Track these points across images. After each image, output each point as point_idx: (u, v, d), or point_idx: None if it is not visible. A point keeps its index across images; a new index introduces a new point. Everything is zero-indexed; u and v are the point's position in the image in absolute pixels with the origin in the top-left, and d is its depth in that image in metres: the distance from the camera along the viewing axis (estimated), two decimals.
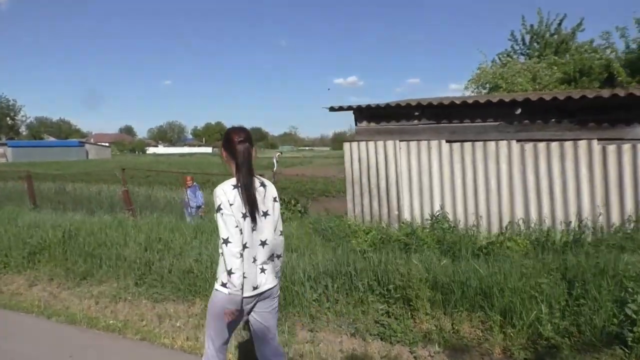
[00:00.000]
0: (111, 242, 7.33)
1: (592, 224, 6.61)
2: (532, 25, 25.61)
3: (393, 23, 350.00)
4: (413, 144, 7.76)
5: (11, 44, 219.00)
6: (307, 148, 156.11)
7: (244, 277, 2.77)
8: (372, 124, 8.17)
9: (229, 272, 2.70)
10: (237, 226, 2.70)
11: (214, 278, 5.77)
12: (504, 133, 7.13)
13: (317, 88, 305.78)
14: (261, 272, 2.89)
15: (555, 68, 20.28)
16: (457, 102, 7.18)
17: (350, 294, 5.23)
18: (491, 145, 7.18)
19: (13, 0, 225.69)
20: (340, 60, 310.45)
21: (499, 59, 26.68)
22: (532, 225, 6.95)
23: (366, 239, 7.31)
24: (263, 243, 2.87)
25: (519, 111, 6.92)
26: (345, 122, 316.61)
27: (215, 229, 8.14)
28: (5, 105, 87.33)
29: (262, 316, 3.03)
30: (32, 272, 7.20)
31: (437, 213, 7.50)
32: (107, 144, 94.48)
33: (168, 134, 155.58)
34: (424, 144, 7.67)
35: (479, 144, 7.27)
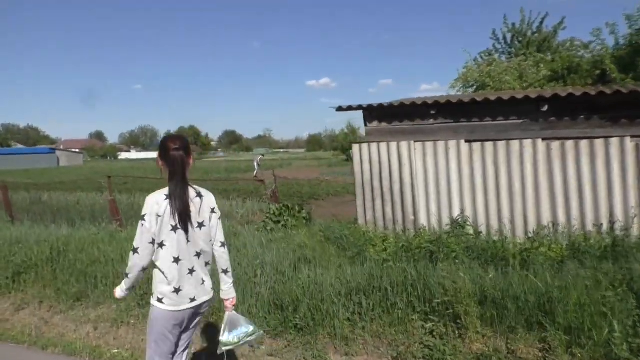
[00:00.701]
0: (106, 258, 6.66)
1: (625, 226, 6.25)
2: (514, 24, 25.64)
3: (364, 25, 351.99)
4: (429, 144, 7.30)
5: None
6: (282, 150, 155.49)
7: (180, 291, 2.79)
8: (384, 124, 7.68)
9: (126, 275, 2.84)
10: (151, 242, 2.72)
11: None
12: (528, 131, 6.72)
13: (290, 90, 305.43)
14: (202, 283, 2.90)
15: (542, 66, 20.19)
16: (479, 99, 6.74)
17: (388, 311, 4.72)
18: (515, 144, 6.76)
19: None
20: (313, 62, 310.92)
21: (481, 57, 26.65)
22: (560, 228, 6.56)
23: (385, 247, 6.81)
24: (198, 254, 2.87)
25: (545, 108, 6.52)
26: (320, 124, 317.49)
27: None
28: None
29: (187, 330, 3.07)
30: (17, 294, 6.49)
31: (458, 217, 7.05)
32: (78, 150, 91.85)
33: (140, 139, 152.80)
34: (441, 144, 7.22)
35: (501, 144, 6.85)
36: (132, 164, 67.00)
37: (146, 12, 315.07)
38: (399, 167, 7.49)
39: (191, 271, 2.83)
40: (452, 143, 7.14)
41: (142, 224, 2.70)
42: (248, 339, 3.10)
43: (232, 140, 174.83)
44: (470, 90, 21.57)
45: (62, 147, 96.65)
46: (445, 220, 7.25)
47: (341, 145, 57.32)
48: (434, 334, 4.45)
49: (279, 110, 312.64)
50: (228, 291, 3.10)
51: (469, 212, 7.08)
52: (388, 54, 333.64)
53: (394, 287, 4.82)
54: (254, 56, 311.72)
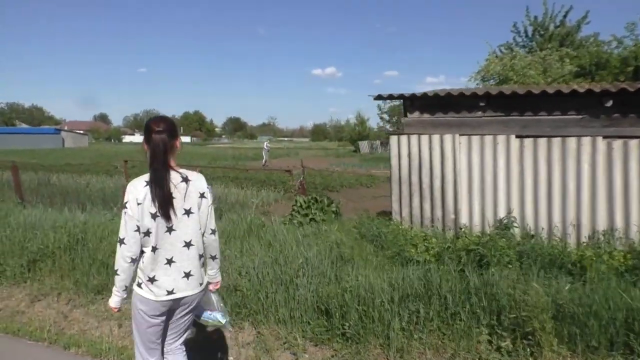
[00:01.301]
0: None
1: None
2: (535, 17, 25.02)
3: (371, 16, 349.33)
4: (475, 138, 6.80)
5: None
6: (286, 139, 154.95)
7: (155, 281, 2.65)
8: (426, 115, 7.18)
9: (115, 272, 2.64)
10: (136, 230, 2.54)
11: (265, 298, 4.77)
12: (587, 128, 6.22)
13: (295, 78, 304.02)
14: (184, 276, 2.70)
15: (567, 61, 19.64)
16: (535, 91, 6.22)
17: (448, 322, 4.27)
18: (571, 141, 6.26)
19: None
20: (319, 51, 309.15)
21: (500, 50, 26.05)
22: (618, 234, 6.08)
23: (426, 247, 6.35)
24: (188, 244, 2.69)
25: (609, 103, 6.01)
26: (325, 114, 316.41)
27: (251, 233, 7.09)
28: None
29: (176, 321, 2.90)
30: (34, 284, 6.04)
31: (505, 218, 6.57)
32: (82, 132, 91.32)
33: (145, 122, 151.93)
34: (488, 138, 6.72)
35: (556, 140, 6.34)
36: (137, 147, 66.46)
37: None
38: (441, 162, 7.00)
39: (169, 261, 2.65)
40: (501, 138, 6.64)
41: (125, 212, 2.54)
42: (215, 323, 3.20)
43: (236, 127, 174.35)
44: (493, 83, 21.01)
45: (66, 128, 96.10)
46: (490, 220, 6.78)
47: (349, 136, 56.67)
48: (501, 350, 4.00)
49: (284, 99, 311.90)
50: (214, 275, 3.05)
51: (516, 213, 6.60)
52: (394, 46, 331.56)
53: (455, 295, 4.36)
54: (259, 42, 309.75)
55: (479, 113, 6.81)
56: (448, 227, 7.03)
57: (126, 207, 2.54)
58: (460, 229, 6.89)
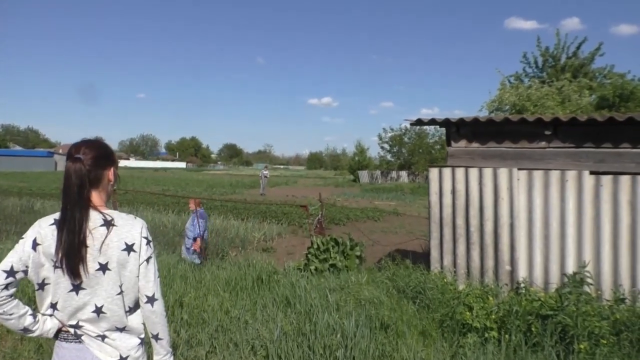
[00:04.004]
0: None
1: None
2: (547, 47, 24.30)
3: (368, 48, 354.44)
4: (538, 173, 5.61)
5: None
6: (282, 167, 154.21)
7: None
8: (475, 145, 5.99)
9: None
10: (10, 270, 1.85)
11: None
12: None
13: (292, 107, 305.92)
14: (101, 339, 1.96)
15: (586, 92, 18.75)
16: (619, 118, 5.06)
17: None
18: None
19: None
20: (316, 81, 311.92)
21: (509, 81, 25.26)
22: None
23: (483, 308, 5.06)
24: (98, 310, 1.95)
25: None
26: (320, 142, 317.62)
27: (261, 284, 5.80)
28: None
29: None
30: None
31: (577, 273, 5.31)
32: None
33: (140, 147, 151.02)
34: (555, 174, 5.52)
35: None
36: (132, 172, 65.27)
37: (152, 23, 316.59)
38: (494, 201, 5.79)
39: (78, 326, 1.97)
40: (571, 174, 5.45)
41: (15, 248, 1.91)
42: None
43: (232, 153, 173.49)
44: (505, 113, 20.05)
45: (60, 151, 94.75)
46: (554, 274, 5.53)
47: (349, 165, 55.75)
48: None
49: (280, 127, 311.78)
50: None
51: (589, 267, 5.35)
52: (390, 77, 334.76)
53: None
54: (257, 72, 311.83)
55: (543, 143, 5.62)
56: (502, 280, 5.77)
57: (19, 244, 1.92)
58: (518, 283, 5.63)
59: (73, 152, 1.99)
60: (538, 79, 24.52)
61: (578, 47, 23.41)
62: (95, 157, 2.01)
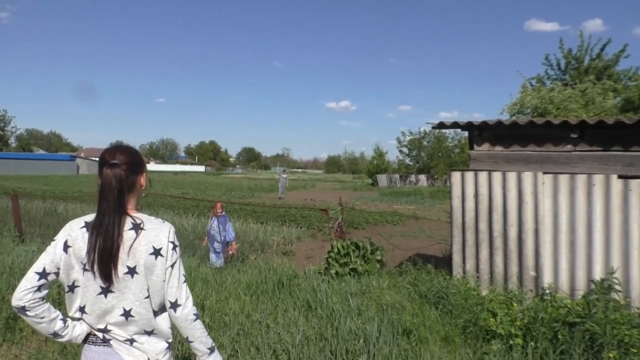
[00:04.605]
0: None
1: None
2: (570, 49, 23.91)
3: (386, 51, 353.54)
4: (564, 178, 5.50)
5: (3, 54, 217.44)
6: (299, 170, 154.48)
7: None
8: (499, 148, 5.90)
9: None
10: (43, 272, 1.85)
11: None
12: None
13: (310, 110, 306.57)
14: (130, 343, 1.96)
15: (610, 94, 18.39)
16: None
17: None
18: None
19: (9, 12, 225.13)
20: (333, 84, 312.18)
21: (530, 83, 24.94)
22: None
23: (507, 314, 4.97)
24: (126, 314, 1.94)
25: None
26: (338, 146, 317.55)
27: (282, 288, 5.80)
28: None
29: None
30: (11, 347, 4.77)
31: (605, 280, 5.18)
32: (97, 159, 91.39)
33: (160, 151, 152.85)
34: (581, 178, 5.41)
35: None
36: (152, 176, 65.98)
37: (172, 28, 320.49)
38: (518, 206, 5.69)
39: (106, 330, 1.97)
40: (598, 178, 5.33)
41: (47, 251, 1.92)
42: None
43: (250, 157, 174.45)
44: (526, 116, 19.79)
45: (82, 155, 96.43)
46: (580, 280, 5.41)
47: (367, 169, 55.62)
48: None
49: (298, 130, 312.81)
50: None
51: (617, 274, 5.22)
52: (408, 81, 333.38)
53: None
54: (275, 76, 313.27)
55: (569, 147, 5.51)
56: (526, 286, 5.66)
57: (50, 246, 1.92)
58: (543, 289, 5.52)
59: (108, 157, 1.98)
60: (560, 81, 24.14)
61: (602, 49, 22.97)
62: (129, 162, 2.01)
